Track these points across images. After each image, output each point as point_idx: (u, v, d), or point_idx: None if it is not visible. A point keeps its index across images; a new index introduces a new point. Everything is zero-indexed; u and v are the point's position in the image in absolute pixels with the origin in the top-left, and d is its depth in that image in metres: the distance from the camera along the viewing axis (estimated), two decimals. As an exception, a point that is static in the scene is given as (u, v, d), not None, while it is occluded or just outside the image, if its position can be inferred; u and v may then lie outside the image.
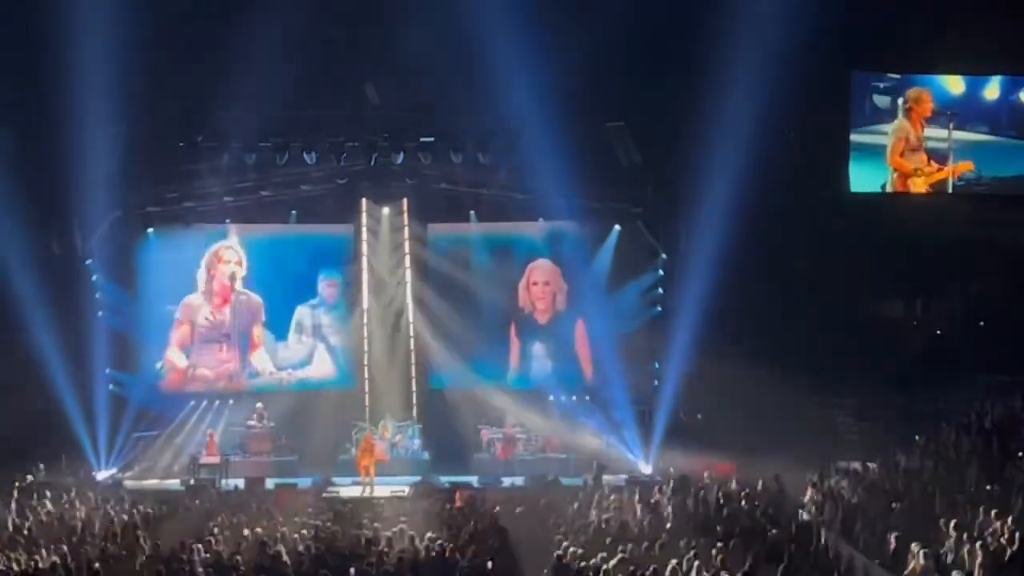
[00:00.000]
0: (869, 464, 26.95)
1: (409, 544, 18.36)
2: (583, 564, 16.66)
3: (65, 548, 18.38)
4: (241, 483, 28.35)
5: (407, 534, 19.29)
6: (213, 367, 32.80)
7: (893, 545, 18.06)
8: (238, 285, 32.73)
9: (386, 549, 18.05)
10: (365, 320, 33.17)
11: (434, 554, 17.53)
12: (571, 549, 17.60)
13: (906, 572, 16.91)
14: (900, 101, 31.66)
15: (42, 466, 27.81)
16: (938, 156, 31.74)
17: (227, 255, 32.73)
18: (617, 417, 31.25)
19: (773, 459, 26.55)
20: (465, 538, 18.88)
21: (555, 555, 17.38)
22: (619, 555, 16.96)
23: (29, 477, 26.82)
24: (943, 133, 31.64)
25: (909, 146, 31.67)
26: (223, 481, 29.05)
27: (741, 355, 29.72)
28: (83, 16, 27.03)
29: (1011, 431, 24.59)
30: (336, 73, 29.16)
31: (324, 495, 26.95)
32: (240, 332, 32.84)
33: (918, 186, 31.73)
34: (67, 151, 28.65)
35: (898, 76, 31.82)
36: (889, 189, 31.80)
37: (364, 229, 32.93)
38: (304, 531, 20.13)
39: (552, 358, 32.80)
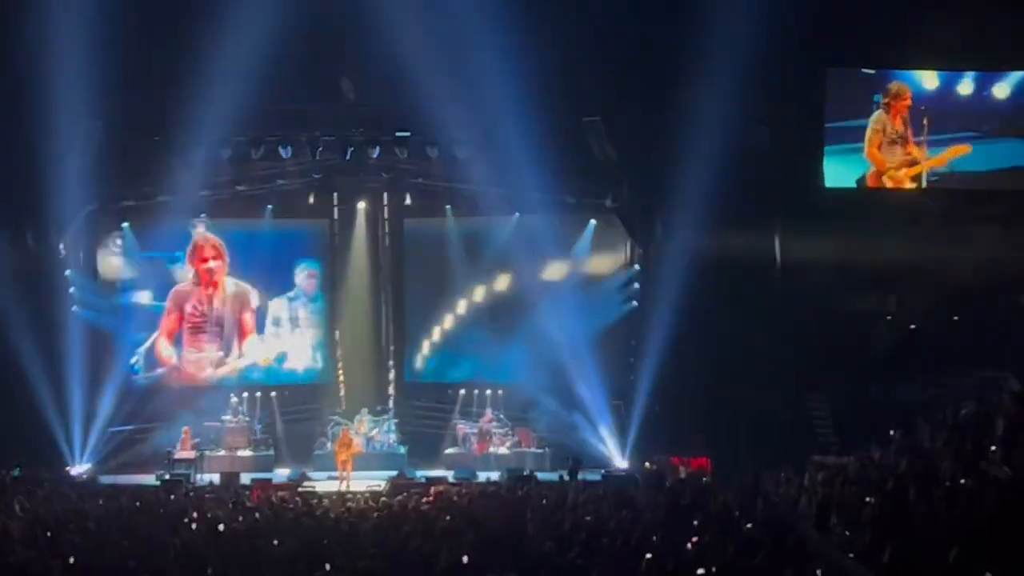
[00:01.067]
0: (844, 458, 27.03)
1: (385, 539, 18.34)
2: (557, 559, 16.64)
3: (40, 543, 18.30)
4: (216, 478, 28.31)
5: (383, 528, 19.30)
6: (202, 357, 32.77)
7: (867, 539, 18.08)
8: (222, 276, 32.69)
9: (361, 544, 18.01)
10: (341, 314, 33.18)
11: (410, 549, 17.50)
12: (545, 544, 17.60)
13: None
14: (879, 96, 31.73)
15: (17, 465, 27.70)
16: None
17: (205, 248, 32.67)
18: (593, 412, 31.28)
19: (748, 453, 26.63)
20: (439, 533, 18.87)
21: (530, 551, 17.38)
22: (592, 550, 16.98)
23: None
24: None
25: (887, 139, 31.74)
26: (198, 476, 29.03)
27: (716, 349, 29.79)
28: (57, 9, 26.96)
29: (985, 426, 24.63)
30: (311, 67, 29.10)
31: (300, 489, 26.93)
32: (231, 321, 32.80)
33: (899, 180, 31.82)
34: (41, 145, 28.56)
35: (872, 71, 31.88)
36: (867, 183, 31.93)
37: (340, 223, 32.95)
38: (279, 525, 20.11)
39: (528, 353, 32.78)
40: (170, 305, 32.57)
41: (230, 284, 32.79)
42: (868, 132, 31.64)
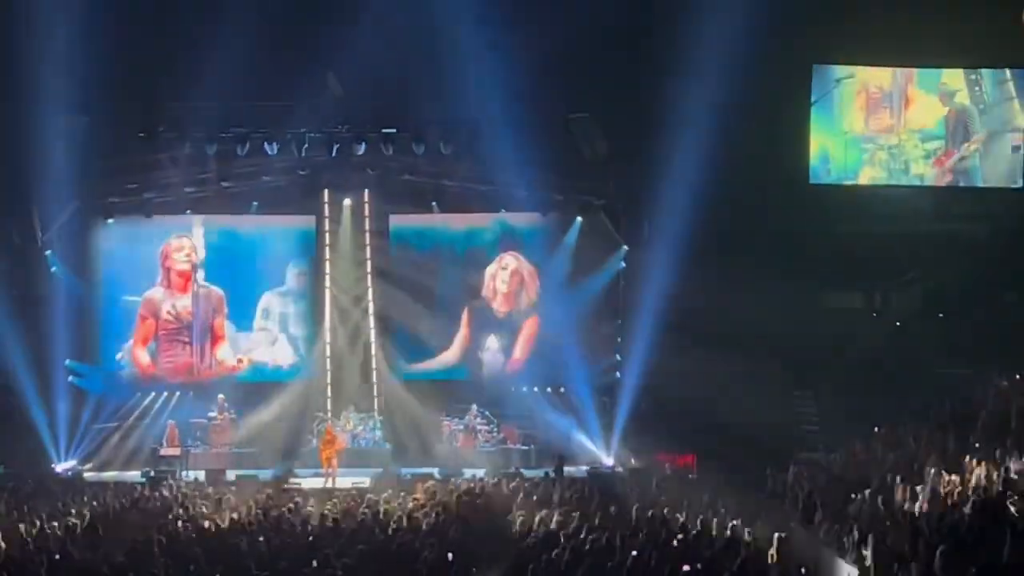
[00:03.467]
0: (829, 455, 27.10)
1: (370, 535, 18.34)
2: (543, 556, 16.65)
3: (25, 540, 18.30)
4: (202, 475, 28.27)
5: (368, 526, 19.30)
6: (176, 362, 32.68)
7: (856, 536, 18.13)
8: (198, 277, 32.59)
9: (347, 541, 18.01)
10: (327, 311, 33.13)
11: (395, 546, 17.50)
12: (531, 540, 17.62)
13: None
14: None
15: (0, 462, 27.68)
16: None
17: (179, 249, 32.51)
18: (579, 408, 31.28)
19: (734, 449, 26.68)
20: (426, 529, 18.88)
21: (516, 547, 17.40)
22: (578, 546, 16.99)
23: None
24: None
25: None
26: (184, 473, 28.99)
27: (702, 346, 29.81)
28: (44, 4, 26.91)
29: (968, 422, 24.71)
30: (297, 63, 29.06)
31: (285, 487, 26.90)
32: (202, 326, 32.72)
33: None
34: (27, 141, 28.48)
35: (858, 68, 31.97)
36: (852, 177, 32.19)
37: (326, 220, 32.89)
38: (264, 522, 20.10)
39: (514, 349, 32.77)
40: (144, 312, 32.40)
41: (202, 289, 32.67)
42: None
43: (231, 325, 32.88)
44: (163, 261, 32.50)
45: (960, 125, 31.98)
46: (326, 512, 21.10)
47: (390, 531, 18.68)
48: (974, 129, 31.97)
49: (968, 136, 31.96)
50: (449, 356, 33.24)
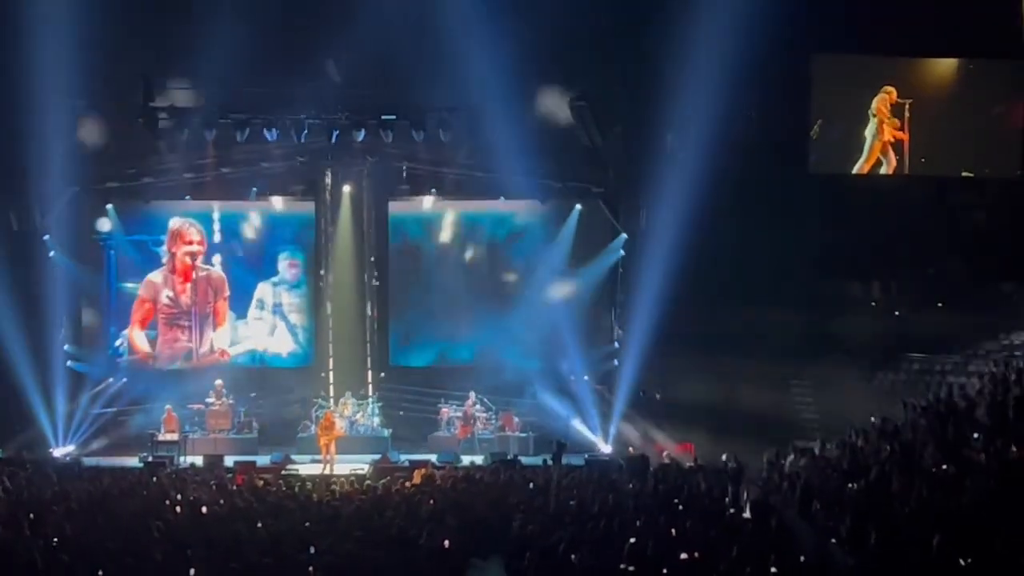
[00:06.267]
0: (826, 444, 27.10)
1: (368, 522, 18.34)
2: (540, 543, 16.65)
3: (23, 525, 18.28)
4: (200, 460, 28.27)
5: (366, 512, 19.30)
6: (175, 346, 32.71)
7: (849, 524, 18.14)
8: (199, 262, 32.65)
9: (345, 527, 18.01)
10: (325, 297, 33.15)
11: (393, 532, 17.50)
12: (529, 528, 17.61)
13: None
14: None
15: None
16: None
17: (188, 233, 32.63)
18: (577, 396, 31.29)
19: (731, 438, 26.67)
20: (424, 516, 18.88)
21: (512, 535, 17.39)
22: (576, 534, 16.99)
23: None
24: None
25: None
26: (181, 458, 28.99)
27: (700, 334, 29.81)
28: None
29: (967, 413, 24.71)
30: (297, 49, 29.04)
31: (284, 473, 26.91)
32: (203, 310, 32.75)
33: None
34: (25, 126, 28.44)
35: (857, 56, 31.93)
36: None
37: (325, 206, 32.90)
38: (262, 508, 20.09)
39: (512, 337, 32.77)
40: (143, 294, 32.51)
41: (203, 272, 32.73)
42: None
43: (231, 311, 32.93)
44: (170, 245, 32.55)
45: (958, 116, 31.96)
46: (324, 498, 21.11)
47: (388, 517, 18.68)
48: (972, 121, 31.94)
49: (968, 127, 31.92)
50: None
